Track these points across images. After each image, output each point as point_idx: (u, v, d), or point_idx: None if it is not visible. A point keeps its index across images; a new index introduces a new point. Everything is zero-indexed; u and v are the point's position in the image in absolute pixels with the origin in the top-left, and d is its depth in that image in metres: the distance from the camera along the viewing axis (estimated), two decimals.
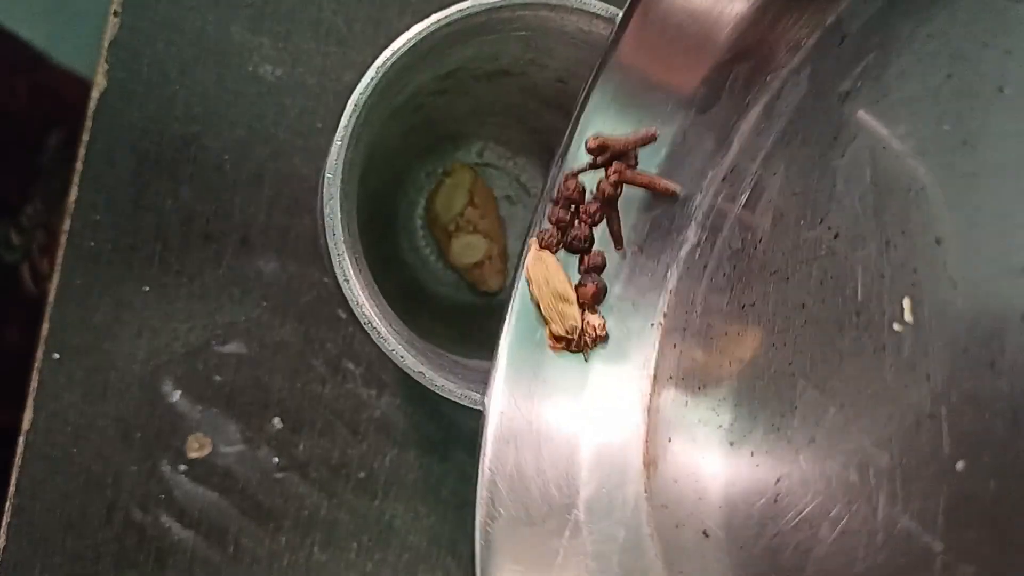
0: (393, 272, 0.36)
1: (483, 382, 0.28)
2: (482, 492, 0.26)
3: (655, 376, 0.28)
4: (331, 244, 0.26)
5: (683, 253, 0.29)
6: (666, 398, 0.28)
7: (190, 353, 0.37)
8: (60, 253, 0.37)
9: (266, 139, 0.38)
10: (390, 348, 0.27)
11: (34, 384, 0.37)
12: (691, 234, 0.29)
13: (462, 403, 0.27)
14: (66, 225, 0.37)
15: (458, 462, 0.39)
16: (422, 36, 0.27)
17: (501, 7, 0.27)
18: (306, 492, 0.38)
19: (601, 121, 0.28)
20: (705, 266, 0.28)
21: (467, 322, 0.37)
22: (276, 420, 0.38)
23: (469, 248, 0.36)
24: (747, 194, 0.28)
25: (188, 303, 0.37)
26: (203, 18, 0.38)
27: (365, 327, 0.27)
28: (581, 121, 0.28)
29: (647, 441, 0.27)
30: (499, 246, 0.37)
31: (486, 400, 0.27)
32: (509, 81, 0.33)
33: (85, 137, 0.37)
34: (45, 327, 0.37)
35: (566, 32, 0.29)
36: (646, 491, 0.27)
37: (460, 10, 0.27)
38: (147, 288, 0.37)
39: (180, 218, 0.37)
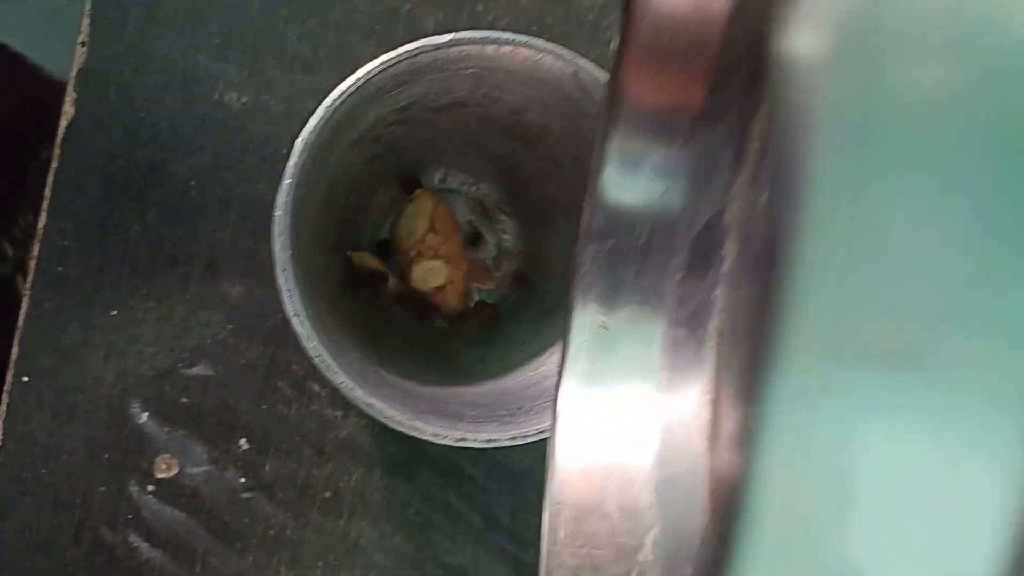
0: (358, 296, 0.37)
1: (431, 412, 0.29)
2: (546, 543, 0.25)
3: (714, 400, 0.27)
4: (281, 280, 0.27)
5: (725, 268, 0.28)
6: (723, 421, 0.27)
7: (157, 376, 0.38)
8: (29, 278, 0.38)
9: (232, 165, 0.38)
10: (340, 381, 0.27)
11: (3, 406, 0.38)
12: (731, 247, 0.28)
13: (410, 434, 0.28)
14: (35, 251, 0.38)
15: (423, 482, 0.39)
16: (369, 78, 0.27)
17: (449, 46, 0.28)
18: (272, 512, 0.39)
19: (621, 168, 0.28)
20: (738, 274, 0.27)
21: (430, 346, 0.38)
22: (243, 441, 0.39)
23: (430, 273, 0.37)
24: (766, 189, 0.27)
25: (155, 326, 0.38)
26: (170, 46, 0.38)
27: (315, 361, 0.27)
28: (602, 178, 0.28)
29: (711, 469, 0.27)
30: (461, 271, 0.37)
31: (548, 454, 0.26)
32: (466, 112, 0.34)
33: (54, 164, 0.38)
34: (15, 350, 0.38)
35: (514, 71, 0.30)
36: (713, 521, 0.26)
37: (407, 51, 0.28)
38: (115, 312, 0.38)
39: (147, 243, 0.38)
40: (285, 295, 0.27)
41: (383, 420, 0.28)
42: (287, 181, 0.27)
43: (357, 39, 0.39)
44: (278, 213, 0.27)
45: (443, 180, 0.39)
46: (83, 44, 0.38)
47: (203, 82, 0.38)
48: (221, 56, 0.39)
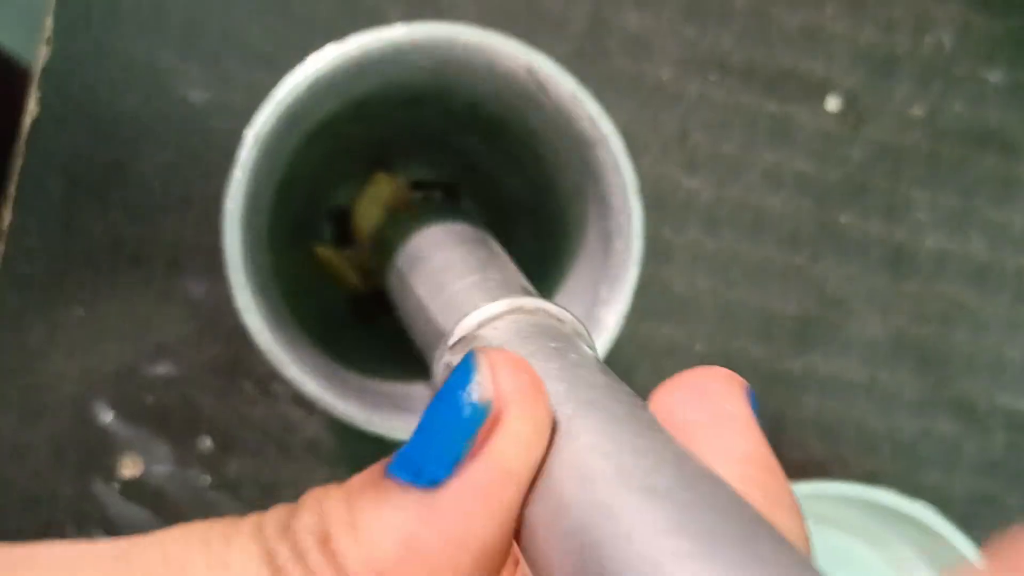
0: (317, 291, 0.37)
1: (388, 407, 0.29)
2: None
3: None
4: (232, 275, 0.27)
5: None
6: None
7: (121, 374, 0.38)
8: None
9: (194, 161, 0.38)
10: (291, 375, 0.27)
11: None
12: None
13: (366, 429, 0.28)
14: (1, 250, 0.38)
15: None
16: (322, 72, 0.27)
17: (399, 42, 0.28)
18: (237, 511, 0.38)
19: None
20: None
21: (394, 341, 0.37)
22: (207, 440, 0.38)
23: None
24: None
25: (119, 325, 0.38)
26: (133, 44, 0.38)
27: (266, 355, 0.27)
28: None
29: None
30: None
31: None
32: (426, 107, 0.34)
33: (18, 163, 0.38)
34: None
35: (472, 65, 0.29)
36: None
37: (360, 45, 0.28)
38: (80, 311, 0.38)
39: (109, 242, 0.38)
40: (236, 290, 0.27)
41: (337, 415, 0.28)
42: (239, 174, 0.27)
43: (320, 34, 0.39)
44: (230, 205, 0.27)
45: (408, 176, 0.39)
46: (48, 42, 0.38)
47: (166, 79, 0.38)
48: (184, 54, 0.38)
